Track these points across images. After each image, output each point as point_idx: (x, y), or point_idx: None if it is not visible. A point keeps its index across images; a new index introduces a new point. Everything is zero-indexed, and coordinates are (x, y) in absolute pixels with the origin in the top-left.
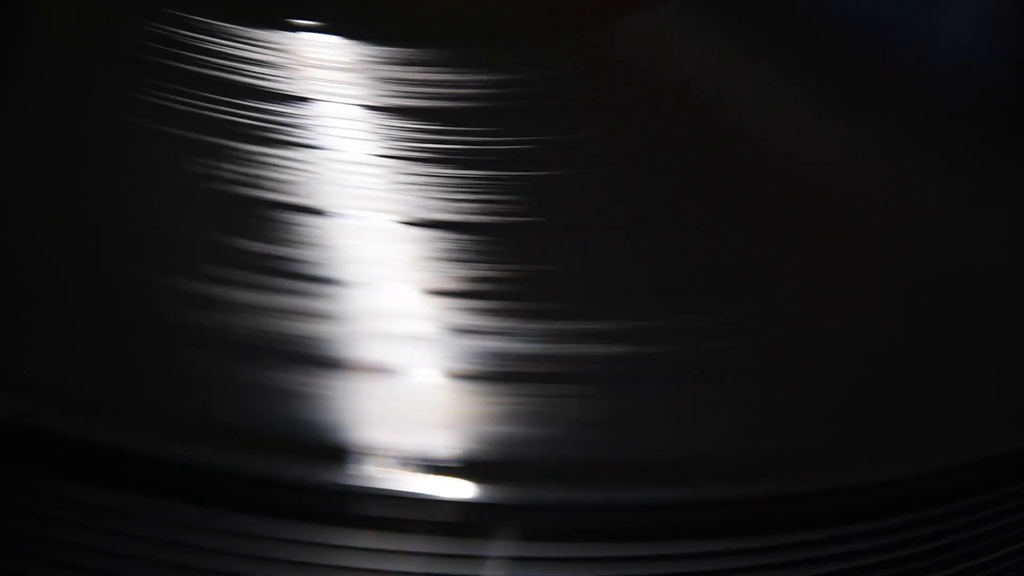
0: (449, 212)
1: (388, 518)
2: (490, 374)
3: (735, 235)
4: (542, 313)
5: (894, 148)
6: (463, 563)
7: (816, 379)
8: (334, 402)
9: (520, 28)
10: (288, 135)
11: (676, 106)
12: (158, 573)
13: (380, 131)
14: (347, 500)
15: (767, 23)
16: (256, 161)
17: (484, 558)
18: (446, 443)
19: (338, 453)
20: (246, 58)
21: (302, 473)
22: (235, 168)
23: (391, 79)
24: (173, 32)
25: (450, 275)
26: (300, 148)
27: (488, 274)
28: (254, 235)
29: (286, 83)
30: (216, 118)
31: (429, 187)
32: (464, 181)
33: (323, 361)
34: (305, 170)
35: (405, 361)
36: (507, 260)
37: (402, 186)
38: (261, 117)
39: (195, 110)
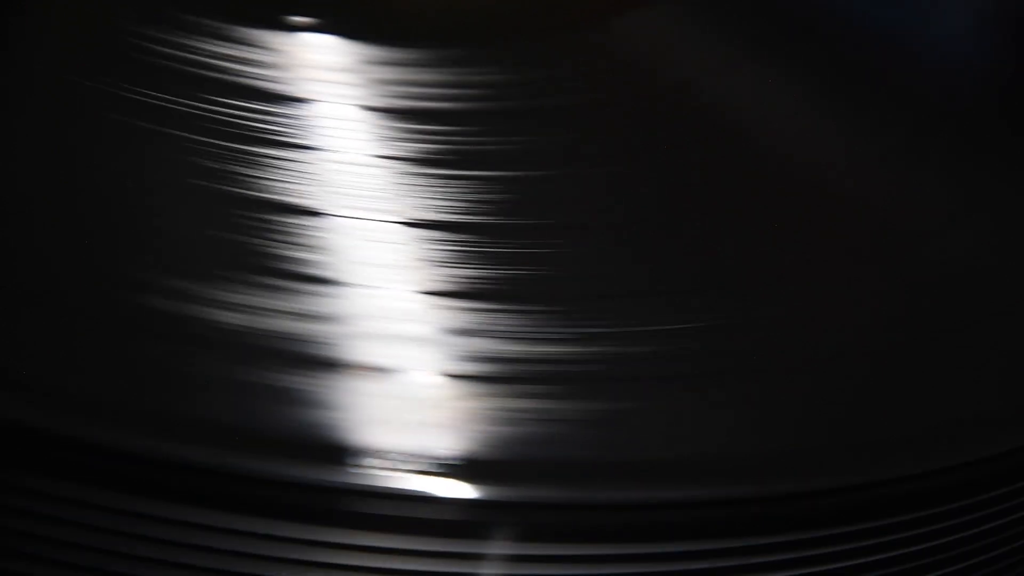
0: (448, 212)
1: (387, 517)
2: (489, 374)
3: (735, 235)
4: (542, 313)
5: (894, 148)
6: (462, 563)
7: (816, 379)
8: (333, 402)
9: (520, 28)
10: (286, 136)
11: (676, 106)
12: (158, 573)
13: (378, 132)
14: (346, 500)
15: (767, 23)
16: (254, 162)
17: (483, 557)
18: (445, 443)
19: (337, 453)
20: (244, 59)
21: (301, 473)
22: (234, 169)
23: (389, 80)
24: (172, 33)
25: (449, 276)
26: (298, 149)
27: (487, 274)
28: (252, 236)
29: (284, 84)
30: (214, 119)
31: (428, 188)
32: (463, 181)
33: (321, 361)
34: (304, 171)
35: (404, 361)
36: (506, 260)
37: (400, 187)
38: (259, 118)
39: (194, 111)
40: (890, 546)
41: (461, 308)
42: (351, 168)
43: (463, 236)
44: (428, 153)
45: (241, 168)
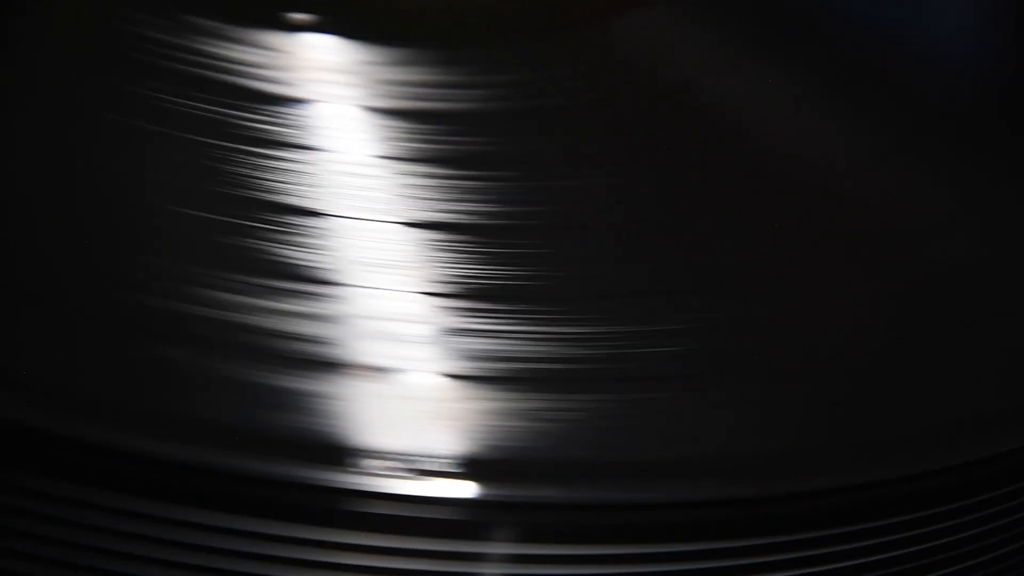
0: (448, 213)
1: (387, 518)
2: (489, 375)
3: (735, 235)
4: (542, 314)
5: (894, 148)
6: (462, 563)
7: (816, 379)
8: (334, 403)
9: (520, 28)
10: (286, 136)
11: (676, 106)
12: (157, 573)
13: (379, 132)
14: (346, 500)
15: (767, 23)
16: (255, 162)
17: (483, 558)
18: (445, 443)
19: (337, 453)
20: (245, 59)
21: (301, 473)
22: (234, 169)
23: (390, 80)
24: (172, 33)
25: (449, 276)
26: (299, 149)
27: (487, 275)
28: (252, 236)
29: (285, 84)
30: (215, 119)
31: (428, 188)
32: (464, 182)
33: (322, 362)
34: (304, 171)
35: (404, 362)
36: (506, 261)
37: (401, 187)
38: (259, 118)
39: (194, 111)
40: (890, 546)
41: (461, 308)
42: (351, 168)
43: (463, 236)
44: (428, 153)
45: (241, 168)
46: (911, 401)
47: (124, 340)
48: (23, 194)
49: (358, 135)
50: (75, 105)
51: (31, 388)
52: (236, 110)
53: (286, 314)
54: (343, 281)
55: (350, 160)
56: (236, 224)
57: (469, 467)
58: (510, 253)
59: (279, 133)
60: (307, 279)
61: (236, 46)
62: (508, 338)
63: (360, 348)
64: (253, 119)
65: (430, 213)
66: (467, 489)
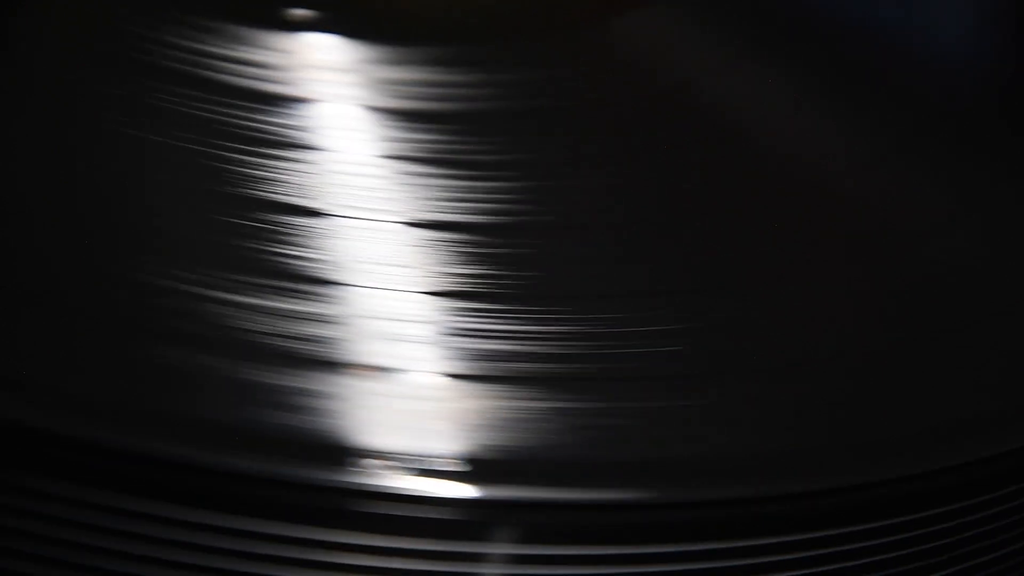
0: (450, 213)
1: (388, 517)
2: (490, 375)
3: (735, 235)
4: (543, 314)
5: (894, 148)
6: (463, 563)
7: (816, 379)
8: (335, 402)
9: (520, 28)
10: (288, 136)
11: (676, 106)
12: (158, 573)
13: (380, 132)
14: (347, 500)
15: (767, 23)
16: (256, 162)
17: (484, 558)
18: (446, 443)
19: (338, 453)
20: (246, 59)
21: (301, 473)
22: (235, 169)
23: (391, 80)
24: (173, 33)
25: (451, 276)
26: (300, 149)
27: (488, 275)
28: (253, 236)
29: (286, 84)
30: (215, 119)
31: (430, 188)
32: (464, 182)
33: (323, 361)
34: (306, 171)
35: (405, 362)
36: (507, 261)
37: (402, 187)
38: (260, 118)
39: (194, 111)
40: (890, 546)
41: (463, 308)
42: (353, 168)
43: (465, 236)
44: (430, 153)
45: (242, 168)
46: (911, 401)
47: (124, 340)
48: (23, 194)
49: (359, 135)
50: (75, 105)
51: (32, 388)
52: (237, 110)
53: (286, 314)
54: (344, 281)
55: (351, 160)
56: (236, 224)
57: (470, 467)
58: (511, 253)
59: (280, 133)
60: (308, 279)
61: (237, 46)
62: (509, 338)
63: (361, 348)
64: (254, 119)
65: (431, 213)
66: (468, 489)
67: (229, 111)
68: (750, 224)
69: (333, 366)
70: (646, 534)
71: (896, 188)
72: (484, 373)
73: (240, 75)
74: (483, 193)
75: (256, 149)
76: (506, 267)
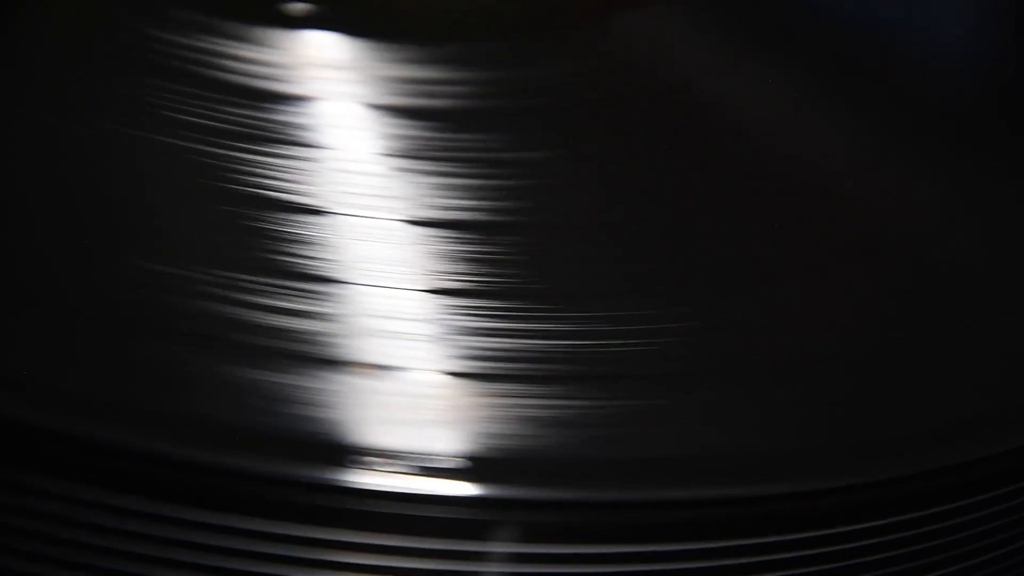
0: (451, 211)
1: (389, 516)
2: (491, 373)
3: (735, 235)
4: (543, 312)
5: (893, 148)
6: (463, 562)
7: (816, 379)
8: (336, 401)
9: (521, 27)
10: (289, 134)
11: (676, 106)
12: (158, 572)
13: (381, 129)
14: (347, 499)
15: (767, 23)
16: (257, 160)
17: (485, 556)
18: (447, 442)
19: (339, 452)
20: (247, 57)
21: (302, 472)
22: (236, 167)
23: (392, 77)
24: (173, 31)
25: (452, 274)
26: (301, 147)
27: (490, 273)
28: (254, 234)
29: (287, 82)
30: (216, 117)
31: (430, 186)
32: (465, 180)
33: (324, 360)
34: (307, 169)
35: (407, 360)
36: (508, 258)
37: (403, 185)
38: (261, 116)
39: (195, 109)
40: (890, 546)
41: (464, 306)
42: (354, 166)
43: (466, 234)
44: (430, 151)
45: (243, 166)
46: (911, 401)
47: (124, 339)
48: (23, 194)
49: (359, 132)
50: (75, 105)
51: (31, 388)
52: (237, 108)
53: (286, 312)
54: (345, 279)
55: (352, 157)
56: (236, 222)
57: (471, 466)
58: (511, 251)
59: (280, 131)
60: (309, 277)
61: (238, 44)
62: (510, 336)
63: (362, 346)
64: (254, 117)
65: (432, 211)
66: (468, 488)
67: (229, 109)
68: (750, 224)
69: (333, 364)
70: (646, 533)
71: (896, 188)
72: (484, 371)
73: (240, 73)
74: (484, 191)
75: (256, 147)
76: (506, 266)
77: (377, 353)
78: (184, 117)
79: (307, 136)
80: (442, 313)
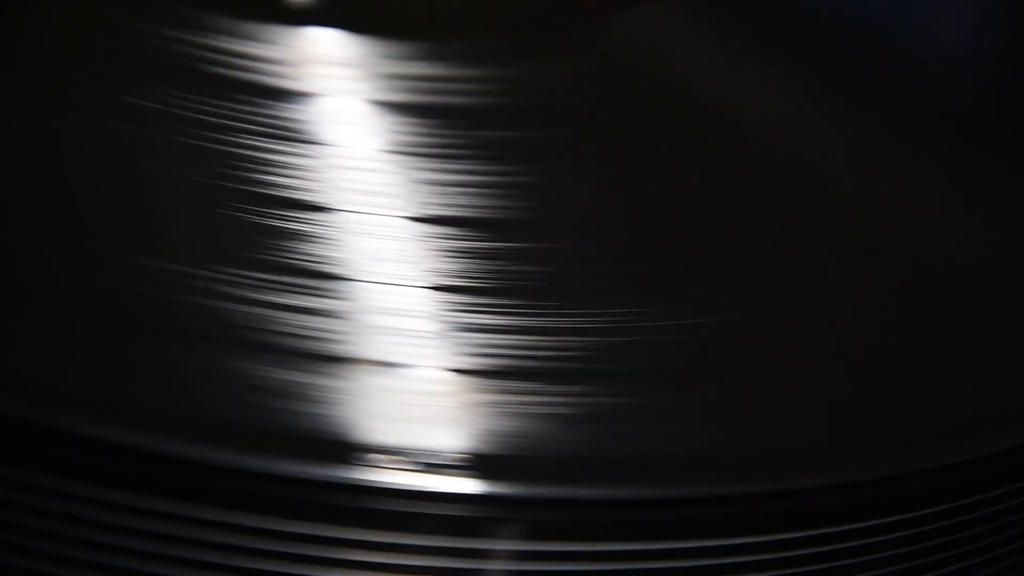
0: (453, 208)
1: (392, 513)
2: (494, 370)
3: (735, 235)
4: (545, 310)
5: (894, 148)
6: (468, 559)
7: (816, 379)
8: (339, 398)
9: (522, 26)
10: (292, 131)
11: (676, 106)
12: (159, 569)
13: (384, 126)
14: (351, 496)
15: (767, 22)
16: (260, 158)
17: (489, 554)
18: (451, 439)
19: (342, 449)
20: (249, 54)
21: (307, 469)
22: (239, 165)
23: (394, 75)
24: (175, 29)
25: (455, 271)
26: (304, 144)
27: (492, 270)
28: (257, 232)
29: (289, 79)
30: (217, 114)
31: (433, 183)
32: (467, 177)
33: (328, 357)
34: (310, 166)
35: (410, 357)
36: (510, 257)
37: (406, 182)
38: (264, 113)
39: (197, 107)
40: (890, 544)
41: (467, 304)
42: (357, 163)
43: (469, 231)
44: (432, 148)
45: (245, 163)
46: (911, 401)
47: (126, 338)
48: (23, 194)
49: (362, 129)
50: (75, 105)
51: (31, 387)
52: (239, 104)
53: (289, 309)
54: (348, 276)
55: (354, 155)
56: (238, 219)
57: (475, 463)
58: (513, 249)
59: (283, 128)
60: (311, 273)
61: (240, 41)
62: (513, 333)
63: (366, 343)
64: (256, 114)
65: (435, 208)
66: (473, 485)
67: (231, 106)
68: (750, 224)
69: (338, 361)
70: (648, 531)
71: (896, 188)
72: (488, 368)
73: (242, 70)
74: (485, 188)
75: (259, 144)
76: (508, 263)
77: (381, 350)
78: (185, 114)
79: (310, 133)
80: (445, 310)
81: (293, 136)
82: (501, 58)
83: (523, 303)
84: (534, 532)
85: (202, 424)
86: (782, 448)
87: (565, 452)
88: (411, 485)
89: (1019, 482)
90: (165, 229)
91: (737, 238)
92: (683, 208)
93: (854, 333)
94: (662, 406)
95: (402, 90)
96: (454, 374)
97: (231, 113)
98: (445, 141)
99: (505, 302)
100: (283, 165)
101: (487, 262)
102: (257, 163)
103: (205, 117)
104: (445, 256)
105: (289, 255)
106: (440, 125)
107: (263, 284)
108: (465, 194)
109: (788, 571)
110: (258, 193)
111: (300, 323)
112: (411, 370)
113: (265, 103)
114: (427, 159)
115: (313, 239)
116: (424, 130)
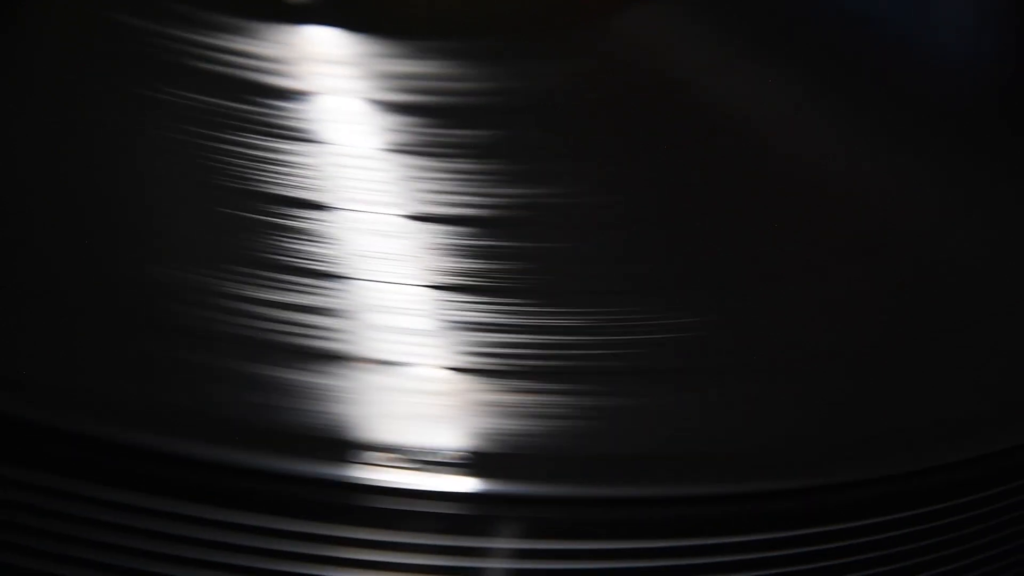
0: (452, 206)
1: (391, 512)
2: (494, 369)
3: (735, 235)
4: (545, 309)
5: (894, 148)
6: (466, 557)
7: (816, 378)
8: (338, 396)
9: (522, 25)
10: (291, 130)
11: (676, 105)
12: (159, 568)
13: (382, 125)
14: (350, 495)
15: (767, 22)
16: (259, 156)
17: (488, 552)
18: (451, 438)
19: (342, 448)
20: (249, 53)
21: (305, 468)
22: (238, 163)
23: (393, 74)
24: (174, 28)
25: (454, 269)
26: (303, 143)
27: (492, 269)
28: (256, 230)
29: (289, 78)
30: (217, 113)
31: (432, 181)
32: (466, 176)
33: (326, 355)
34: (309, 165)
35: (409, 355)
36: (509, 255)
37: (404, 180)
38: (263, 112)
39: (196, 106)
40: (890, 543)
41: (466, 302)
42: (356, 162)
43: (467, 230)
44: (431, 147)
45: (244, 162)
46: (911, 401)
47: (126, 336)
48: (23, 194)
49: (361, 128)
50: (75, 105)
51: (31, 387)
52: (239, 103)
53: (289, 307)
54: (347, 274)
55: (354, 153)
56: (237, 217)
57: (474, 461)
58: (513, 248)
59: (283, 126)
60: (310, 272)
61: (239, 39)
62: (513, 332)
63: (365, 342)
64: (256, 112)
65: (433, 206)
66: (471, 483)
67: (229, 104)
68: (750, 224)
69: (337, 359)
70: (647, 529)
71: (896, 188)
72: (487, 367)
73: (241, 68)
74: (484, 187)
75: (259, 142)
76: (507, 262)
77: (380, 348)
78: (185, 113)
79: (309, 131)
80: (444, 308)
81: (292, 135)
82: (501, 57)
83: (522, 302)
84: (533, 530)
85: (201, 423)
86: (782, 447)
87: (564, 451)
88: (410, 483)
89: (1017, 480)
90: (165, 228)
91: (737, 238)
92: (683, 208)
93: (854, 333)
94: (662, 405)
95: (401, 89)
96: (453, 372)
97: (230, 112)
98: (444, 140)
99: (504, 301)
100: (282, 164)
101: (486, 261)
102: (257, 162)
103: (204, 116)
104: (444, 255)
105: (287, 253)
106: (439, 124)
107: (261, 282)
108: (464, 193)
109: (788, 569)
110: (257, 191)
111: (298, 321)
112: (410, 368)
113: (264, 102)
114: (426, 158)
115: (311, 237)
116: (423, 129)
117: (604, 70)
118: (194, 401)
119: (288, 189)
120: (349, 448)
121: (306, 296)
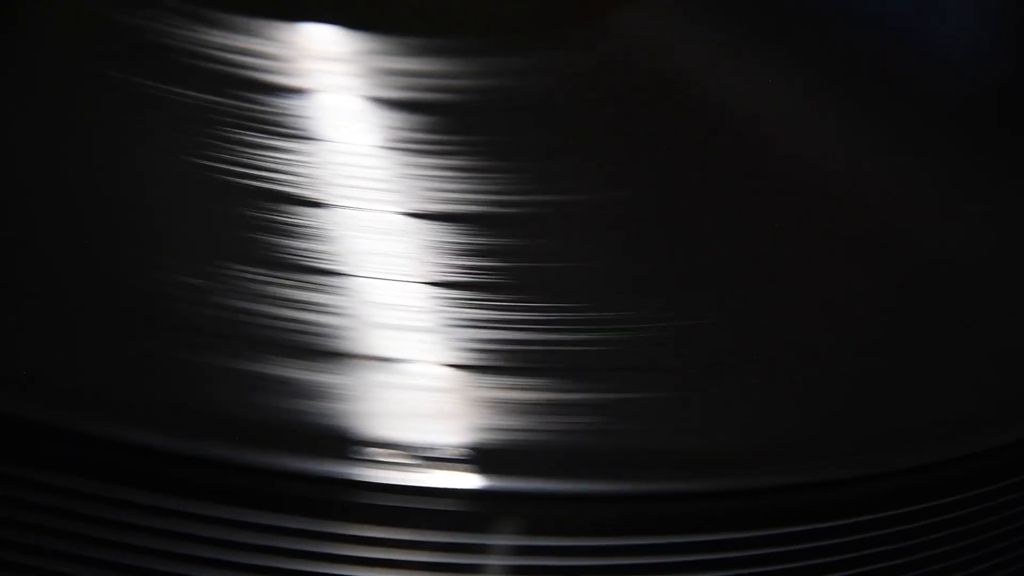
0: (451, 204)
1: (391, 509)
2: (493, 365)
3: (735, 235)
4: (545, 306)
5: (893, 146)
6: (467, 554)
7: (816, 378)
8: (337, 394)
9: (521, 23)
10: (289, 127)
11: (676, 104)
12: (160, 565)
13: (381, 122)
14: (350, 491)
15: (767, 21)
16: (257, 154)
17: (488, 549)
18: (450, 434)
19: (341, 445)
20: (247, 50)
21: (305, 465)
22: (236, 160)
23: (392, 71)
24: (173, 25)
25: (453, 267)
26: (301, 140)
27: (491, 266)
28: (255, 228)
29: (287, 75)
30: (216, 111)
31: (431, 179)
32: (465, 174)
33: (325, 353)
34: (306, 162)
35: (408, 352)
36: (508, 253)
37: (404, 178)
38: (261, 109)
39: (195, 104)
40: (889, 540)
41: (465, 299)
42: (354, 159)
43: (467, 228)
44: (430, 145)
45: (244, 160)
46: (911, 400)
47: (126, 335)
48: (23, 194)
49: (359, 125)
50: (74, 103)
51: (31, 387)
52: (236, 100)
53: (287, 305)
54: (345, 271)
55: (352, 150)
56: (236, 215)
57: (474, 458)
58: (513, 246)
59: (280, 123)
60: (307, 269)
61: (237, 36)
62: (512, 329)
63: (364, 339)
64: (253, 109)
65: (433, 204)
66: (472, 480)
67: (227, 102)
68: (750, 224)
69: (336, 357)
70: (648, 526)
71: (896, 187)
72: (486, 364)
73: (240, 66)
74: (483, 185)
75: (256, 140)
76: (506, 259)
77: (379, 345)
78: (184, 111)
79: (307, 129)
80: (443, 306)
81: (290, 132)
82: (500, 55)
83: (522, 299)
84: (533, 527)
85: (201, 421)
86: (782, 446)
87: (564, 447)
88: (410, 480)
89: (1016, 478)
90: (164, 227)
91: (737, 238)
92: (683, 208)
93: (854, 333)
94: (662, 402)
95: (399, 86)
96: (453, 370)
97: (229, 109)
98: (443, 138)
99: (504, 298)
100: (281, 161)
101: (485, 258)
102: (256, 159)
103: (203, 114)
104: (443, 252)
105: (286, 251)
106: (438, 122)
107: (260, 280)
108: (463, 191)
109: (788, 566)
110: (256, 189)
111: (298, 319)
112: (409, 365)
113: (263, 99)
114: (425, 155)
115: (310, 235)
116: (421, 127)
117: (604, 69)
118: (194, 400)
119: (286, 186)
120: (349, 445)
121: (306, 293)
